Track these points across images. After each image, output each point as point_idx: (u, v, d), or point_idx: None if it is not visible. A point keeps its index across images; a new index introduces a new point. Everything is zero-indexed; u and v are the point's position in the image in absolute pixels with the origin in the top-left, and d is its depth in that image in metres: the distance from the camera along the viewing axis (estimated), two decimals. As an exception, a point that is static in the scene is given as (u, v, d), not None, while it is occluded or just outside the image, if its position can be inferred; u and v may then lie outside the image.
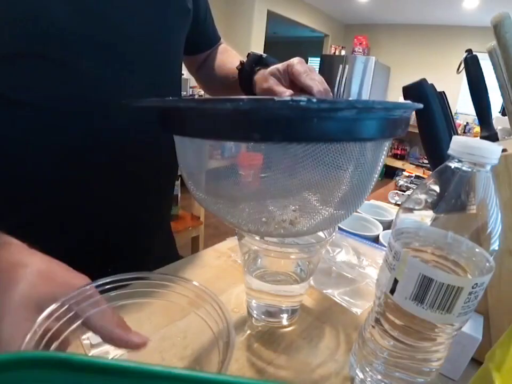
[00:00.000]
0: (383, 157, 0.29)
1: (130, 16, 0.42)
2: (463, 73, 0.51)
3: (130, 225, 0.51)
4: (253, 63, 0.52)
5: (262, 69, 0.50)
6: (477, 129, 3.79)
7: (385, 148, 0.29)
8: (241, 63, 0.55)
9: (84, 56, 0.40)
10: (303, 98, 0.20)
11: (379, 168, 0.29)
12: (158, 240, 0.59)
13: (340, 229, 0.65)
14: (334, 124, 0.22)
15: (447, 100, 0.49)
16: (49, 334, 0.25)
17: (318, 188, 0.28)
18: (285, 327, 0.41)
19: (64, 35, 0.38)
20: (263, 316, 0.41)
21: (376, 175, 0.30)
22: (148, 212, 0.54)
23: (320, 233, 0.42)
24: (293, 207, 0.34)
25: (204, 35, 0.63)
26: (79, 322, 0.28)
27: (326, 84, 0.42)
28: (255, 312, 0.41)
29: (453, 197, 0.26)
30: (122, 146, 0.45)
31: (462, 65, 0.51)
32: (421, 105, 0.27)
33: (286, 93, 0.43)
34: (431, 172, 0.29)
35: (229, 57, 0.66)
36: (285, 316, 0.41)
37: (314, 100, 0.20)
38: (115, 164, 0.45)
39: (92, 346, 0.30)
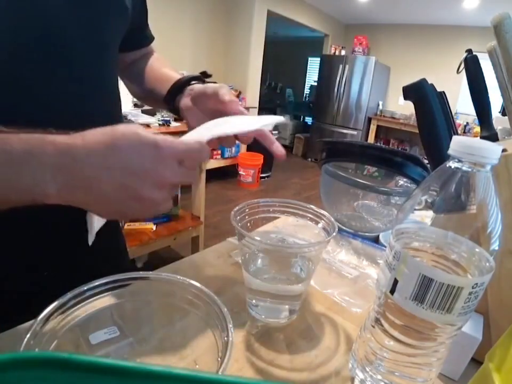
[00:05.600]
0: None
1: (65, 15, 0.39)
2: (463, 73, 0.51)
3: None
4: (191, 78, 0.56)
5: (197, 84, 0.54)
6: (477, 129, 3.78)
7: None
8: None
9: (13, 56, 0.36)
10: None
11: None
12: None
13: (340, 229, 0.65)
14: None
15: (447, 99, 0.49)
16: (49, 333, 0.25)
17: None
18: (285, 327, 0.41)
19: None
20: (263, 316, 0.41)
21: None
22: None
23: (321, 233, 0.42)
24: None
25: (137, 32, 0.61)
26: (78, 322, 0.28)
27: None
28: (255, 312, 0.41)
29: (453, 197, 0.26)
30: None
31: (462, 65, 0.51)
32: None
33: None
34: (431, 172, 0.29)
35: (167, 67, 0.65)
36: (285, 315, 0.41)
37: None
38: None
39: (92, 346, 0.30)
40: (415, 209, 0.27)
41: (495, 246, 0.25)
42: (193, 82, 0.56)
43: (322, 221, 0.42)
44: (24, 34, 0.37)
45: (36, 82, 0.38)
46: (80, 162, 0.29)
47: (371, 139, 4.91)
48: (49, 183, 0.29)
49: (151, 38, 0.66)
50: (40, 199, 0.29)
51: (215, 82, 0.56)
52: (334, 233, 0.38)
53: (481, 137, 0.50)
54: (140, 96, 0.68)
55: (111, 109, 0.51)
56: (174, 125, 1.82)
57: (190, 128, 0.48)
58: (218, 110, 0.48)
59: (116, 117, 0.53)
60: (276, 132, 4.17)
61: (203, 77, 0.59)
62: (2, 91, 0.36)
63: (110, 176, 0.30)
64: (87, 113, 0.44)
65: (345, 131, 4.93)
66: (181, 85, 0.56)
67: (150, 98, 0.66)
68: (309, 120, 5.75)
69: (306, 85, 6.84)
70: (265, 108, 5.03)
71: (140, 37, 0.63)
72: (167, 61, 0.67)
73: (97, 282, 0.29)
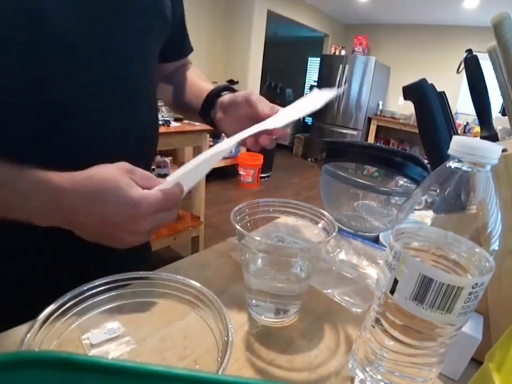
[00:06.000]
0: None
1: (104, 21, 0.41)
2: (463, 73, 0.51)
3: None
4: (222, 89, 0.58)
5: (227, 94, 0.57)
6: (477, 129, 3.79)
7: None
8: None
9: (56, 59, 0.38)
10: None
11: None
12: None
13: (340, 229, 0.65)
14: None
15: (447, 99, 0.49)
16: (49, 333, 0.25)
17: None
18: (285, 327, 0.41)
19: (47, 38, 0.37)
20: (263, 316, 0.41)
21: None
22: None
23: (321, 233, 0.42)
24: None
25: (176, 43, 0.62)
26: (78, 322, 0.28)
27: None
28: (255, 311, 0.41)
29: (453, 197, 0.26)
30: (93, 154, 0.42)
31: (462, 65, 0.51)
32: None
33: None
34: (431, 172, 0.29)
35: (203, 80, 0.67)
36: (285, 315, 0.41)
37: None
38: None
39: (92, 346, 0.30)
40: (415, 209, 0.27)
41: (495, 246, 0.25)
42: (223, 93, 0.57)
43: (322, 221, 0.43)
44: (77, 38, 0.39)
45: (84, 84, 0.41)
46: (68, 206, 0.34)
47: (371, 139, 4.91)
48: (42, 218, 0.35)
49: (190, 49, 0.68)
50: (31, 223, 0.35)
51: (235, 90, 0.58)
52: (334, 233, 0.38)
53: (481, 137, 0.50)
54: (174, 107, 0.70)
55: (150, 114, 0.54)
56: (174, 125, 1.82)
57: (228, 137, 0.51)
58: (251, 116, 0.50)
59: (154, 118, 0.55)
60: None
61: (230, 84, 0.60)
62: (46, 88, 0.38)
63: (92, 220, 0.35)
64: (125, 115, 0.46)
65: (345, 131, 4.93)
66: (212, 99, 0.58)
67: (186, 111, 0.67)
68: (309, 120, 5.74)
69: (306, 85, 6.83)
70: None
71: (179, 48, 0.65)
72: (202, 73, 0.69)
73: (97, 282, 0.29)
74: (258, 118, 0.49)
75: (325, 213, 0.43)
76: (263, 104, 0.49)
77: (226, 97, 0.56)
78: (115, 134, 0.45)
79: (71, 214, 0.35)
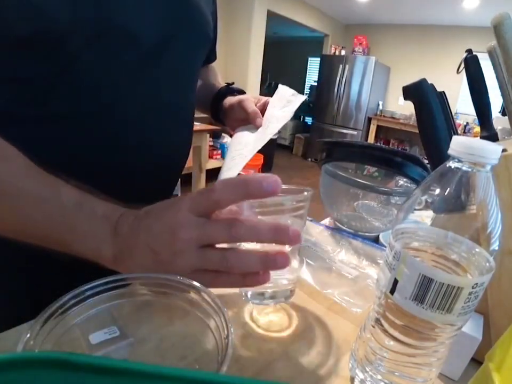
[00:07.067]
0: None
1: (156, 41, 0.44)
2: (463, 73, 0.51)
3: None
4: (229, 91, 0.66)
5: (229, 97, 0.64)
6: (477, 129, 3.79)
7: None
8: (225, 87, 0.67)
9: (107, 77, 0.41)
10: None
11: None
12: None
13: (340, 229, 0.65)
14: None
15: (447, 100, 0.49)
16: (49, 333, 0.25)
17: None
18: (285, 327, 0.41)
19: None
20: (256, 300, 0.40)
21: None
22: None
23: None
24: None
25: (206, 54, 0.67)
26: (78, 322, 0.28)
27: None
28: (249, 294, 0.40)
29: (453, 197, 0.26)
30: (132, 146, 0.46)
31: (462, 65, 0.51)
32: None
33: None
34: (431, 172, 0.29)
35: (216, 77, 0.73)
36: (279, 297, 0.40)
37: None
38: (121, 164, 0.46)
39: (92, 346, 0.30)
40: (415, 209, 0.27)
41: (495, 246, 0.25)
42: (225, 97, 0.64)
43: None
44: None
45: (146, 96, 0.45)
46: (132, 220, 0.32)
47: (371, 139, 4.92)
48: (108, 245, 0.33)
49: (214, 58, 0.72)
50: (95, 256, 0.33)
51: (243, 92, 0.65)
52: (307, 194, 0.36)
53: (481, 137, 0.50)
54: None
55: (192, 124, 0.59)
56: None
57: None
58: (244, 120, 0.55)
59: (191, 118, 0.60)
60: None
61: (227, 86, 0.67)
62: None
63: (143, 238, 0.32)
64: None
65: (345, 131, 4.94)
66: (216, 104, 0.65)
67: (203, 111, 0.73)
68: (309, 120, 5.75)
69: (306, 85, 6.83)
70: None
71: (208, 55, 0.68)
72: (217, 72, 0.75)
73: (97, 282, 0.29)
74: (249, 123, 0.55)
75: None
76: (255, 115, 0.55)
77: (226, 101, 0.62)
78: (164, 142, 0.49)
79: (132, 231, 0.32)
